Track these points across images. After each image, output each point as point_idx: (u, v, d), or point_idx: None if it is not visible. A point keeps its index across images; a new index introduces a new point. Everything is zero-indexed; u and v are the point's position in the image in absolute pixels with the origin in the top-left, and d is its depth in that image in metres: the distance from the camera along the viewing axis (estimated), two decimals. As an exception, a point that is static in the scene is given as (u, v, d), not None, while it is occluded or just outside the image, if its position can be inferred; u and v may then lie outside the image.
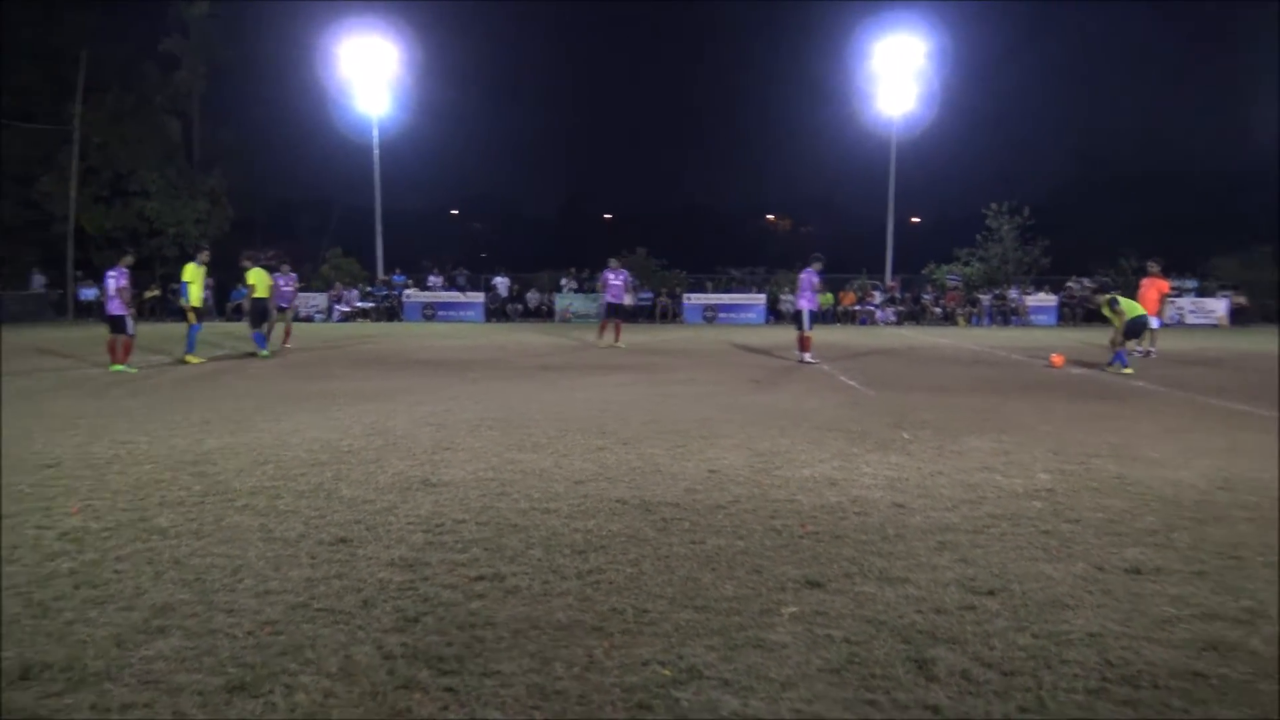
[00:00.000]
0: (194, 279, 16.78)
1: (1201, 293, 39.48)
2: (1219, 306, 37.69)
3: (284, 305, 20.95)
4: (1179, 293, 38.09)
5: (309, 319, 35.64)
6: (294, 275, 22.05)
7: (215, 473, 6.99)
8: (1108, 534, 5.37)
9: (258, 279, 18.43)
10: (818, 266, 17.17)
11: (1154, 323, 18.82)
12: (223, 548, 5.03)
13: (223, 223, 42.04)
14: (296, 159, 49.19)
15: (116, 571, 4.63)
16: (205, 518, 5.65)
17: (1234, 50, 61.29)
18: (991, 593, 4.35)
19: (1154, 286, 19.27)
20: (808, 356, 17.07)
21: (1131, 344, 16.34)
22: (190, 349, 16.55)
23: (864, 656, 3.61)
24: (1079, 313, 38.21)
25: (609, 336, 21.93)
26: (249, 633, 3.84)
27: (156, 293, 37.29)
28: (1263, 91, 54.57)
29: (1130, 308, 15.92)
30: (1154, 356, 18.70)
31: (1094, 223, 57.78)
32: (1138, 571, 4.67)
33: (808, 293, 17.14)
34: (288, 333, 20.82)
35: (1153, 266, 20.09)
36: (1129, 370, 15.46)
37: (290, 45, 43.15)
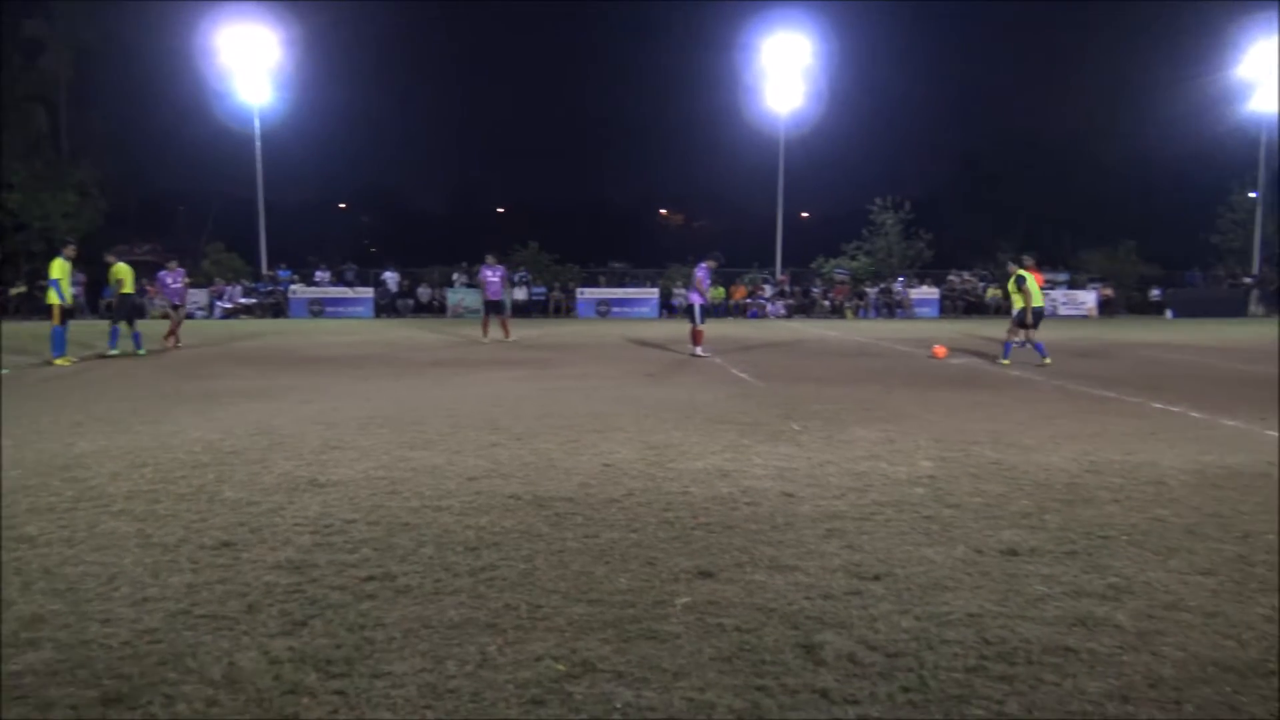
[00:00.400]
0: (63, 275, 16.01)
1: (1072, 285, 41.32)
2: (1088, 298, 39.52)
3: (177, 303, 20.33)
4: (1052, 285, 39.87)
5: (190, 315, 34.38)
6: (182, 271, 21.31)
7: (88, 477, 6.69)
8: (985, 517, 5.58)
9: (125, 274, 17.82)
10: (712, 264, 17.39)
11: None
12: (97, 555, 4.83)
13: (94, 216, 40.11)
14: (174, 150, 47.31)
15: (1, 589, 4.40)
16: (78, 524, 5.41)
17: (1100, 47, 64.19)
18: (877, 577, 4.48)
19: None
20: (700, 350, 17.25)
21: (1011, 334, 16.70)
22: (58, 351, 15.74)
23: (754, 644, 3.68)
24: (960, 305, 39.66)
25: (496, 333, 21.88)
26: (126, 643, 3.70)
27: (23, 289, 35.49)
28: (1131, 92, 57.37)
29: (1036, 292, 15.65)
30: (1028, 348, 19.48)
31: (972, 218, 59.94)
32: (1013, 553, 4.87)
33: (700, 287, 17.35)
34: (174, 330, 20.16)
35: (1027, 260, 21.13)
36: (1006, 362, 15.74)
37: (165, 31, 41.48)
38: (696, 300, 17.34)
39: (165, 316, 20.77)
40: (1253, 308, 38.29)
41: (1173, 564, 4.70)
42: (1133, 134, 55.52)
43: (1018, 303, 15.73)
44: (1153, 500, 6.03)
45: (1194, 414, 9.85)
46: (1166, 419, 9.57)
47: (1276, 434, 8.51)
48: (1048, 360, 15.39)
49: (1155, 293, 41.26)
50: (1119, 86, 58.45)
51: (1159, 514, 5.68)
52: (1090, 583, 4.41)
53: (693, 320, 17.44)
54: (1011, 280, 15.95)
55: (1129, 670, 3.44)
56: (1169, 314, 37.72)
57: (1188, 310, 37.48)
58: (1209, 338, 23.47)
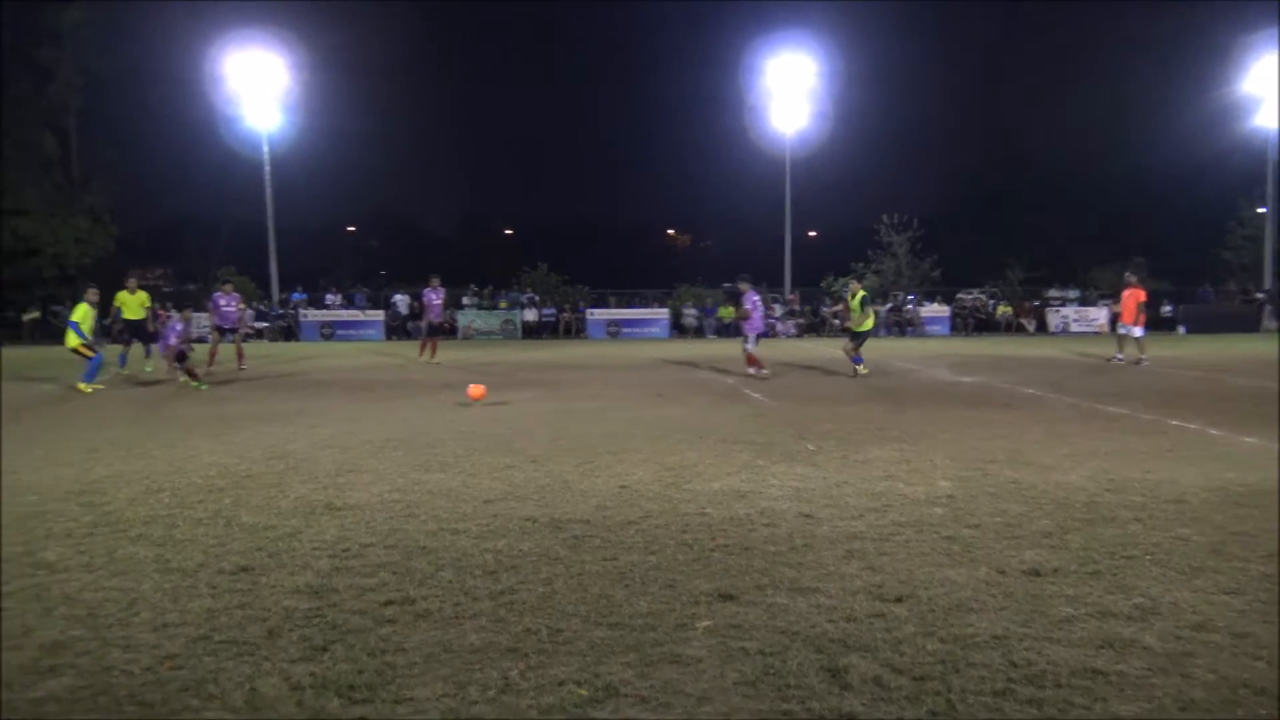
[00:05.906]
0: (82, 318, 15.99)
1: (1083, 302, 41.22)
2: (1100, 315, 39.38)
3: (225, 327, 20.63)
4: (1063, 302, 39.82)
5: (201, 339, 34.46)
6: (236, 295, 21.69)
7: (105, 502, 6.69)
8: (1006, 537, 5.54)
9: (122, 302, 19.03)
10: (745, 287, 17.26)
11: (1137, 331, 19.69)
12: (116, 580, 4.82)
13: (106, 241, 40.34)
14: (184, 174, 47.64)
15: (2, 609, 4.39)
16: (96, 550, 5.40)
17: (1104, 64, 64.45)
18: (899, 599, 4.44)
19: (1133, 297, 20.07)
20: (755, 370, 16.85)
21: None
22: (88, 377, 15.59)
23: (778, 667, 3.64)
24: (971, 323, 39.57)
25: (429, 353, 22.04)
26: (147, 669, 3.68)
27: (36, 315, 35.70)
28: (1135, 108, 57.38)
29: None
30: (1145, 364, 19.09)
31: (978, 236, 59.94)
32: (1036, 573, 4.82)
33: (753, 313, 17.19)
34: (239, 354, 20.70)
35: (1130, 278, 20.81)
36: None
37: (174, 56, 41.91)
38: (751, 330, 17.17)
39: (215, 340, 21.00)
40: (1266, 323, 38.11)
41: (1198, 584, 4.65)
42: (1138, 150, 55.52)
43: None
44: (1175, 519, 5.98)
45: (1211, 431, 9.78)
46: (1183, 436, 9.51)
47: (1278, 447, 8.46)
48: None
49: (1167, 308, 41.06)
50: (1122, 102, 58.52)
51: (1182, 533, 5.62)
52: (1116, 603, 4.36)
53: (748, 346, 17.20)
54: None
55: (1160, 693, 3.40)
56: (1181, 330, 37.56)
57: (1201, 326, 37.30)
58: (1223, 354, 23.34)
